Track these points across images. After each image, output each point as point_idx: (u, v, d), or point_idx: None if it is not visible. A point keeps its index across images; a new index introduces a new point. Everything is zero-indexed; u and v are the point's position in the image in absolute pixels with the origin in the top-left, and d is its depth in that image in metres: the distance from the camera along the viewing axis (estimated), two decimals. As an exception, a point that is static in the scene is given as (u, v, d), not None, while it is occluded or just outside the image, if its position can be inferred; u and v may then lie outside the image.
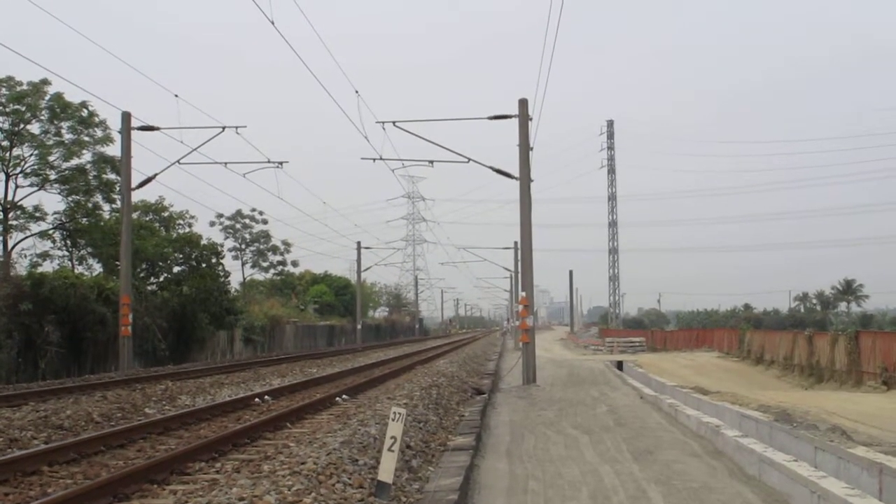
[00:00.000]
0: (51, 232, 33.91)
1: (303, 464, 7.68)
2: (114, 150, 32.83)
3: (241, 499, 6.17)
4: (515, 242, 47.98)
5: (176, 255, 38.07)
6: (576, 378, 24.37)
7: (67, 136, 33.13)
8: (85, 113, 33.03)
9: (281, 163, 28.66)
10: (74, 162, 33.21)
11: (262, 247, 65.01)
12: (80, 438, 10.72)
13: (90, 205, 34.20)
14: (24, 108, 31.74)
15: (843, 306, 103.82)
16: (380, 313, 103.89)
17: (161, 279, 37.76)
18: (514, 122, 22.04)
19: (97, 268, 35.76)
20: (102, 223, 34.34)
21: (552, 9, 20.40)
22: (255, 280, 65.75)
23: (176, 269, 38.36)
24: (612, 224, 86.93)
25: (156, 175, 27.43)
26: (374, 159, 24.80)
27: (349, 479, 7.25)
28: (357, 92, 22.38)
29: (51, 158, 32.80)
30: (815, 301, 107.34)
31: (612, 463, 9.51)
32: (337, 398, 16.86)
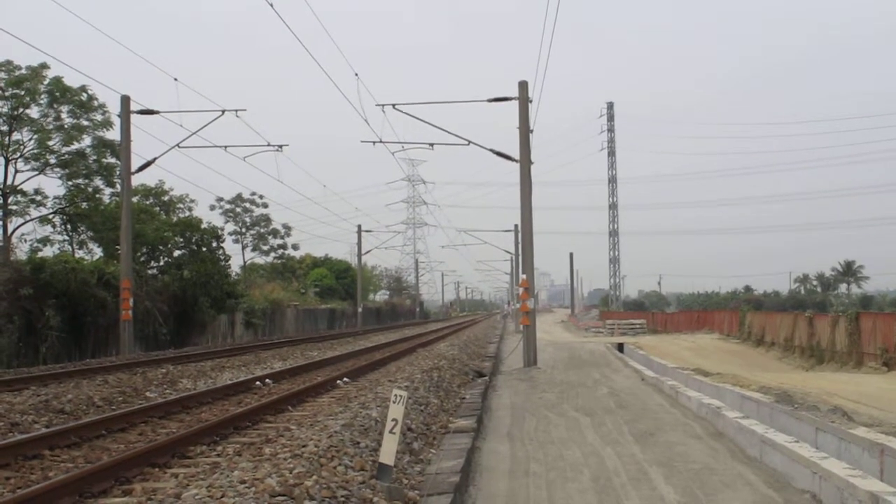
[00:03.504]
0: (51, 216, 33.90)
1: (304, 447, 7.67)
2: (113, 134, 32.81)
3: (243, 482, 6.16)
4: (516, 225, 47.95)
5: (176, 239, 38.01)
6: (577, 360, 24.40)
7: (67, 121, 33.07)
8: (84, 97, 32.94)
9: (281, 146, 28.56)
10: (74, 146, 33.18)
11: (262, 230, 64.99)
12: (81, 422, 10.73)
13: (90, 189, 34.17)
14: (23, 93, 31.64)
15: (843, 288, 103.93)
16: (380, 297, 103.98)
17: (161, 263, 37.73)
18: (514, 104, 21.94)
19: (97, 252, 35.75)
20: (102, 207, 34.29)
21: (552, -11, 20.21)
22: (255, 264, 65.77)
23: (176, 253, 38.31)
24: (613, 206, 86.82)
25: (156, 159, 27.37)
26: (375, 142, 24.72)
27: (350, 461, 7.25)
28: (357, 75, 22.29)
29: (50, 143, 32.76)
30: (815, 283, 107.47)
31: (613, 445, 9.51)
32: (338, 381, 16.87)
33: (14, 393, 14.11)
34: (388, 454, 6.56)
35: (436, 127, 23.15)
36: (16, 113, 31.79)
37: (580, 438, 10.05)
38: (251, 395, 15.28)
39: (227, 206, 62.80)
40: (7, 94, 31.45)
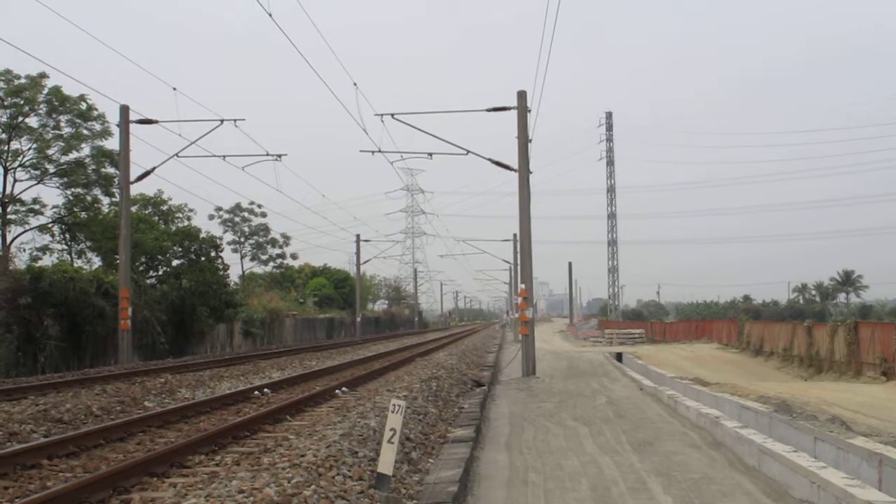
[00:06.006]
0: (50, 226, 33.92)
1: (302, 456, 7.68)
2: (112, 143, 32.87)
3: (241, 491, 6.17)
4: (514, 234, 47.98)
5: (175, 248, 38.01)
6: (575, 370, 24.39)
7: (66, 130, 33.15)
8: (83, 106, 33.01)
9: (279, 155, 28.62)
10: (73, 155, 33.26)
11: (261, 240, 65.04)
12: (79, 432, 10.72)
13: (89, 198, 34.21)
14: (22, 102, 31.71)
15: (842, 297, 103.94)
16: (379, 306, 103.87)
17: (160, 272, 37.73)
18: (513, 113, 22.00)
19: (96, 261, 35.75)
20: (101, 217, 34.32)
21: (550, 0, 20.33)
22: (254, 273, 65.75)
23: (175, 262, 38.31)
24: (611, 216, 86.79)
25: (155, 168, 27.39)
26: (373, 152, 24.77)
27: (349, 471, 7.25)
28: (355, 84, 22.35)
29: (49, 152, 32.83)
30: (814, 292, 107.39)
31: (611, 454, 9.51)
32: (336, 391, 16.85)
33: (13, 402, 14.09)
34: (386, 464, 6.56)
35: (435, 137, 23.24)
36: (15, 122, 31.85)
37: (578, 448, 10.05)
38: (250, 404, 15.26)
39: (226, 216, 62.90)
40: (6, 103, 31.51)
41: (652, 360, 31.63)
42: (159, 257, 37.43)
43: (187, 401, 15.13)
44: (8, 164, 32.05)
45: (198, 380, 19.72)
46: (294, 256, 69.24)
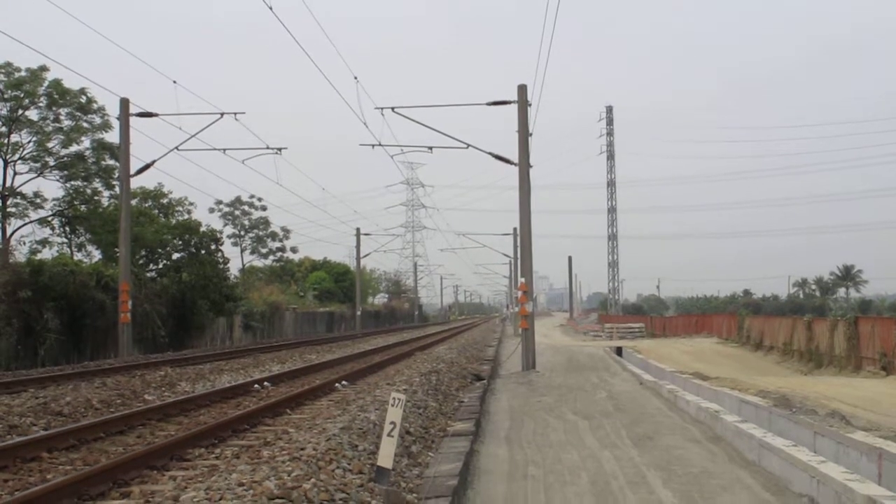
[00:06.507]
0: (50, 219, 33.92)
1: (302, 450, 7.68)
2: (112, 136, 32.88)
3: (241, 484, 6.17)
4: (515, 229, 47.94)
5: (175, 241, 38.01)
6: (575, 364, 24.38)
7: (66, 123, 33.14)
8: (83, 99, 32.99)
9: (280, 149, 28.55)
10: (73, 148, 33.26)
11: (261, 233, 65.14)
12: (79, 425, 10.72)
13: (89, 191, 34.21)
14: (22, 95, 31.69)
15: (842, 292, 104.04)
16: (379, 300, 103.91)
17: (160, 266, 37.73)
18: (514, 107, 21.95)
19: (96, 255, 35.79)
20: (101, 210, 34.33)
21: (552, -7, 20.20)
22: (254, 267, 65.80)
23: (175, 255, 38.33)
24: (612, 210, 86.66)
25: (154, 161, 27.36)
26: (373, 145, 24.74)
27: (349, 464, 7.25)
28: (356, 78, 22.29)
29: (49, 145, 32.86)
30: (814, 287, 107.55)
31: (611, 448, 9.51)
32: (336, 384, 16.86)
33: (12, 395, 14.10)
34: (386, 457, 6.56)
35: (435, 130, 23.19)
36: (15, 115, 31.83)
37: (578, 442, 10.05)
38: (250, 398, 15.27)
39: (226, 209, 63.01)
40: (6, 95, 31.48)
41: (652, 354, 31.63)
42: (159, 251, 37.43)
43: (187, 394, 15.14)
44: (8, 156, 32.04)
45: (198, 373, 19.73)
46: (294, 250, 69.39)
